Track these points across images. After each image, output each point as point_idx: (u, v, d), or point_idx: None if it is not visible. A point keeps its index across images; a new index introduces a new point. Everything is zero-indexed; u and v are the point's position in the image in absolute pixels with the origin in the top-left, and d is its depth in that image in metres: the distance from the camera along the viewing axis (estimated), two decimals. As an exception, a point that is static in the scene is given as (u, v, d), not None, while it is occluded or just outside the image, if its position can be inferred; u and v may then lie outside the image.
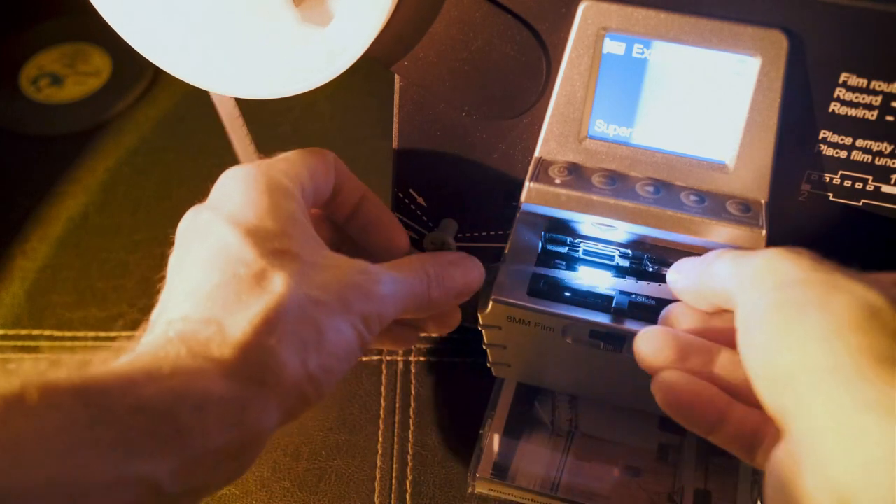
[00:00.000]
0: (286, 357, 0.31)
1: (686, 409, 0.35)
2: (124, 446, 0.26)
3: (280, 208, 0.34)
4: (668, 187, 0.38)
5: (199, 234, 0.34)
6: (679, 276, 0.37)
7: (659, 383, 0.35)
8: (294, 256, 0.33)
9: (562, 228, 0.40)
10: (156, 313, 0.34)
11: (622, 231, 0.38)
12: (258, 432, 0.30)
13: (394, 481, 0.47)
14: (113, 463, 0.26)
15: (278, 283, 0.32)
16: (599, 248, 0.40)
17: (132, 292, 0.57)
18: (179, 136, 0.68)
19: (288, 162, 0.37)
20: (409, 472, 0.48)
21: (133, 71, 0.73)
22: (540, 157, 0.39)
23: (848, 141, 0.37)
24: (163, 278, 0.35)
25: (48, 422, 0.25)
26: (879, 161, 0.37)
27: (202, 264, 0.33)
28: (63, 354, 0.33)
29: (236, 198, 0.35)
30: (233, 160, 0.48)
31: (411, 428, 0.49)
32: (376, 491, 0.47)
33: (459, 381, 0.51)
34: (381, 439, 0.49)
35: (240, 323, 0.30)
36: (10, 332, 0.55)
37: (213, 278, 0.32)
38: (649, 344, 0.35)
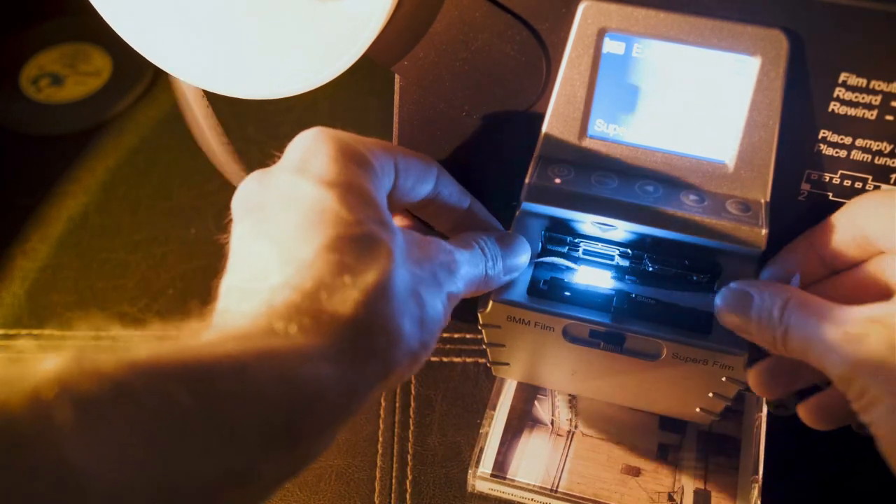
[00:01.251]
0: (398, 333, 0.29)
1: (780, 389, 0.37)
2: (232, 439, 0.25)
3: (366, 178, 0.32)
4: (667, 187, 0.38)
5: (281, 197, 0.32)
6: (731, 316, 0.36)
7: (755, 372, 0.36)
8: (390, 227, 0.32)
9: (562, 228, 0.40)
10: (232, 282, 0.31)
11: (622, 230, 0.38)
12: (356, 414, 0.29)
13: (394, 481, 0.47)
14: (217, 457, 0.24)
15: (385, 251, 0.30)
16: (599, 247, 0.40)
17: (132, 292, 0.57)
18: (179, 136, 0.68)
19: (374, 143, 0.35)
20: (409, 472, 0.48)
21: (133, 71, 0.73)
22: (540, 157, 0.39)
23: (848, 140, 0.37)
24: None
25: (152, 411, 0.23)
26: (879, 160, 0.37)
27: (297, 227, 0.30)
28: (169, 328, 0.30)
29: (323, 159, 0.32)
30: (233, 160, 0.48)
31: (411, 428, 0.49)
32: (376, 490, 0.47)
33: (459, 381, 0.51)
34: (381, 439, 0.49)
35: (352, 294, 0.28)
36: (11, 332, 0.55)
37: (314, 241, 0.29)
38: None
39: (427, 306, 0.31)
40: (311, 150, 0.32)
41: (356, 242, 0.30)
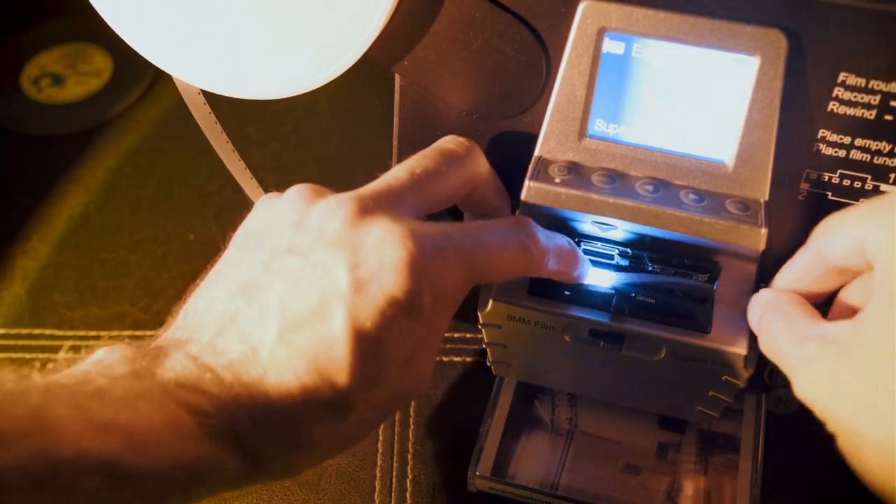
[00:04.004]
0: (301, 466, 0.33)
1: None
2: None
3: (399, 334, 0.31)
4: (667, 186, 0.38)
5: (308, 294, 0.31)
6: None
7: None
8: (377, 381, 0.31)
9: (561, 227, 0.40)
10: (212, 308, 0.32)
11: (622, 230, 0.38)
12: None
13: (394, 480, 0.47)
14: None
15: (347, 415, 0.31)
16: (599, 247, 0.40)
17: (133, 292, 0.58)
18: (180, 135, 0.68)
19: (457, 270, 0.33)
20: (409, 471, 0.48)
21: (134, 71, 0.73)
22: (540, 157, 0.39)
23: (847, 140, 0.37)
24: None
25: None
26: (878, 160, 0.37)
27: (294, 346, 0.30)
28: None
29: (382, 302, 0.30)
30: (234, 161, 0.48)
31: (411, 427, 0.49)
32: (377, 489, 0.47)
33: (459, 381, 0.51)
34: (381, 438, 0.49)
35: (281, 451, 0.31)
36: (12, 332, 0.56)
37: (301, 372, 0.30)
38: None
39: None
40: (381, 278, 0.30)
41: (326, 407, 0.30)
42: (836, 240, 0.34)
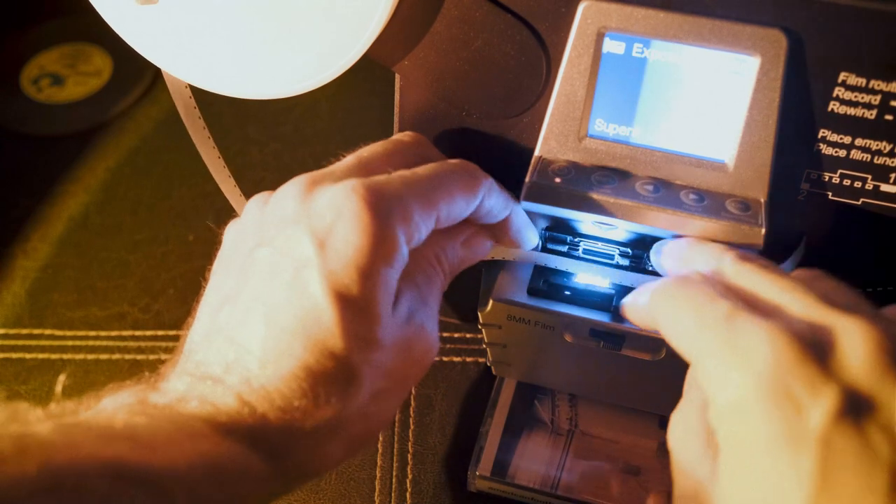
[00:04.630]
0: (331, 461, 0.32)
1: None
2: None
3: (382, 285, 0.31)
4: (667, 186, 0.38)
5: (280, 275, 0.31)
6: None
7: None
8: (378, 343, 0.31)
9: (562, 227, 0.40)
10: (200, 331, 0.33)
11: (622, 230, 0.38)
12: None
13: (394, 480, 0.47)
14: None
15: (355, 389, 0.30)
16: (599, 246, 0.40)
17: (133, 292, 0.58)
18: (180, 135, 0.68)
19: (418, 203, 0.32)
20: (409, 471, 0.48)
21: (134, 71, 0.73)
22: (540, 157, 0.39)
23: (847, 140, 0.37)
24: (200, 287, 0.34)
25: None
26: (878, 160, 0.37)
27: (282, 327, 0.30)
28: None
29: (349, 250, 0.30)
30: (233, 161, 0.48)
31: (411, 427, 0.49)
32: (377, 490, 0.47)
33: (459, 381, 0.51)
34: (381, 438, 0.49)
35: (302, 439, 0.30)
36: (12, 332, 0.56)
37: (292, 353, 0.30)
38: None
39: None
40: (342, 230, 0.30)
41: (332, 378, 0.30)
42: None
